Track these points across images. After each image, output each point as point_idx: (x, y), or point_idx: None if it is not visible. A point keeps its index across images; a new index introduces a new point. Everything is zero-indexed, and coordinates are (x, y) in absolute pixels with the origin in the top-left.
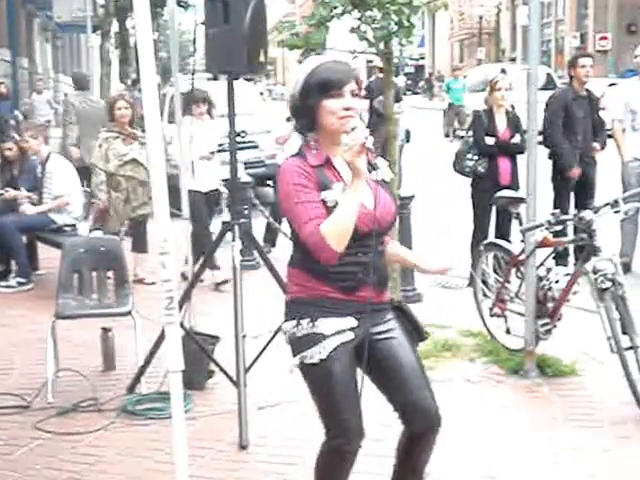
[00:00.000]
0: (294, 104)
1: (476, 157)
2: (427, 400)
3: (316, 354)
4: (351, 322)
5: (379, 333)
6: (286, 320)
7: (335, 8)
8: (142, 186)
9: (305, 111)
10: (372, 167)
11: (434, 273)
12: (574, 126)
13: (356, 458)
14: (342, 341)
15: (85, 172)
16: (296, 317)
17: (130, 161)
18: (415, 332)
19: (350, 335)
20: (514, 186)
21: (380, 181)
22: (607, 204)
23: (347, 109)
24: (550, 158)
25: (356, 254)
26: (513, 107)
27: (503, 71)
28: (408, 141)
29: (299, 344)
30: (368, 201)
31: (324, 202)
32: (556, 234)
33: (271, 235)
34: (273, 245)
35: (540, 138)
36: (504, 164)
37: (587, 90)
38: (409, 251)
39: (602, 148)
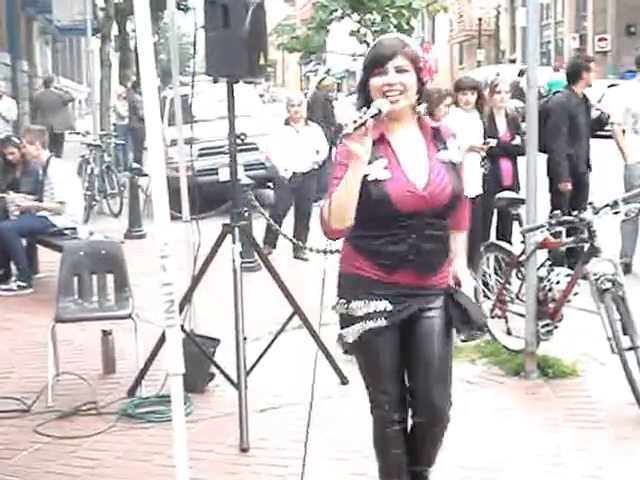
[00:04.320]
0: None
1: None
2: (436, 395)
3: (350, 335)
4: (385, 305)
5: (422, 316)
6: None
7: (335, 11)
8: None
9: (361, 88)
10: (442, 146)
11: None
12: (579, 132)
13: (401, 431)
14: (371, 327)
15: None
16: (338, 295)
17: None
18: (461, 327)
19: (381, 322)
20: (515, 187)
21: (447, 162)
22: (607, 205)
23: (388, 85)
24: (548, 165)
25: (398, 234)
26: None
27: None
28: None
29: (340, 321)
30: (420, 181)
31: (365, 176)
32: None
33: (271, 237)
34: (273, 247)
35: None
36: (506, 165)
37: (583, 93)
38: (458, 254)
39: None
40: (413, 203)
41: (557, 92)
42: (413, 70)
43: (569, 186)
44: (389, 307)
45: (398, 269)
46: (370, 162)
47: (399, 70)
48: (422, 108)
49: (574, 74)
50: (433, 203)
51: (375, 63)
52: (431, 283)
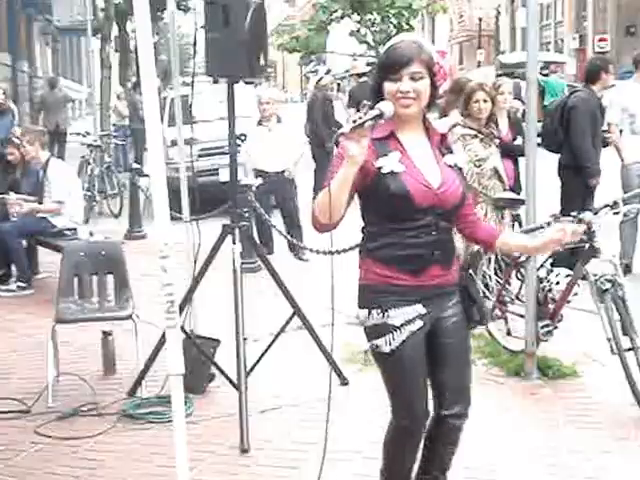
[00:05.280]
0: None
1: None
2: (466, 387)
3: (387, 344)
4: (419, 309)
5: (445, 317)
6: (359, 307)
7: (335, 12)
8: (496, 209)
9: (373, 90)
10: (447, 151)
11: (553, 243)
12: (597, 132)
13: (422, 437)
14: (412, 330)
15: None
16: (367, 306)
17: (491, 170)
18: (475, 316)
19: (419, 323)
20: (517, 188)
21: (453, 166)
22: (606, 205)
23: (402, 93)
24: (566, 164)
25: (418, 235)
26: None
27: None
28: None
29: (371, 332)
30: (434, 180)
31: (379, 169)
32: None
33: (267, 237)
34: (270, 246)
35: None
36: (507, 166)
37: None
38: (521, 237)
39: None
40: (428, 198)
41: (576, 91)
42: (427, 76)
43: (599, 181)
44: (422, 310)
45: (424, 270)
46: (385, 154)
47: (413, 77)
48: (435, 115)
49: (593, 74)
50: (446, 202)
51: (389, 69)
52: (449, 279)
